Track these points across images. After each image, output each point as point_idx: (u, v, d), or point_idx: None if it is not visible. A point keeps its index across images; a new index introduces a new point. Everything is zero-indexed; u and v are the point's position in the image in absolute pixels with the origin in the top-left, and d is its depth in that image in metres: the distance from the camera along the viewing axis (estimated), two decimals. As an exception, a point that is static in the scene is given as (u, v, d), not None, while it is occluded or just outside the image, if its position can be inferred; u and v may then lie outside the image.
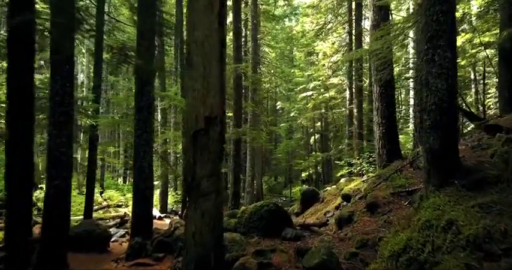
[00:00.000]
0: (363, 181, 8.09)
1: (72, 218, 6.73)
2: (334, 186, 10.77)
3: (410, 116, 23.99)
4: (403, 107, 24.67)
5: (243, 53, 12.76)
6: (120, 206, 18.23)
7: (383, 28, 6.88)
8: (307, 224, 6.85)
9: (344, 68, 20.03)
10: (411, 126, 23.13)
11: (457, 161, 4.40)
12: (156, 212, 17.79)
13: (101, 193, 22.25)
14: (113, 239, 8.55)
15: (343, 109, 24.84)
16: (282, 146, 30.41)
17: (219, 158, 3.78)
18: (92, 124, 10.42)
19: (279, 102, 34.60)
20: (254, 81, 16.44)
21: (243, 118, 27.31)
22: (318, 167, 29.88)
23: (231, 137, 12.85)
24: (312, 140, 29.88)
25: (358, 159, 14.51)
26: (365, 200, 6.41)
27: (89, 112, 10.50)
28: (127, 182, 32.04)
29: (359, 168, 14.13)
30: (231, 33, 14.44)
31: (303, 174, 31.10)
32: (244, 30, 23.26)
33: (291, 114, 29.59)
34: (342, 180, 11.73)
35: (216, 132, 3.71)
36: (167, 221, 14.07)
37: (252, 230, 5.83)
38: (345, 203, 7.69)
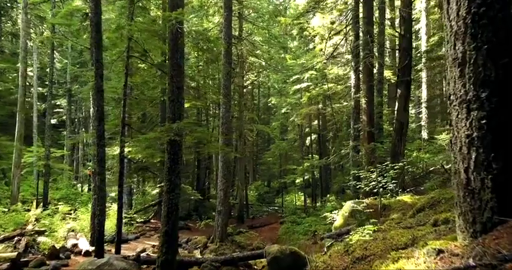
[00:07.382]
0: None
1: None
2: (340, 245, 5.25)
3: (424, 113, 18.29)
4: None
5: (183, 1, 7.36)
6: (41, 233, 12.54)
7: None
8: None
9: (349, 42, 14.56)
10: (424, 132, 17.27)
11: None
12: (83, 242, 12.18)
13: (45, 208, 16.81)
14: None
15: (345, 103, 19.30)
16: (272, 148, 24.83)
17: None
18: None
19: (271, 98, 29.06)
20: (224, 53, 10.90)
21: (215, 114, 21.60)
22: (315, 172, 24.34)
23: (162, 136, 7.33)
24: (307, 141, 24.30)
25: (372, 171, 8.99)
26: None
27: None
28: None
29: (372, 184, 8.71)
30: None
31: (298, 180, 25.60)
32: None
33: (283, 111, 23.98)
34: (346, 209, 6.27)
35: None
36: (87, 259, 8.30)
37: None
38: None
